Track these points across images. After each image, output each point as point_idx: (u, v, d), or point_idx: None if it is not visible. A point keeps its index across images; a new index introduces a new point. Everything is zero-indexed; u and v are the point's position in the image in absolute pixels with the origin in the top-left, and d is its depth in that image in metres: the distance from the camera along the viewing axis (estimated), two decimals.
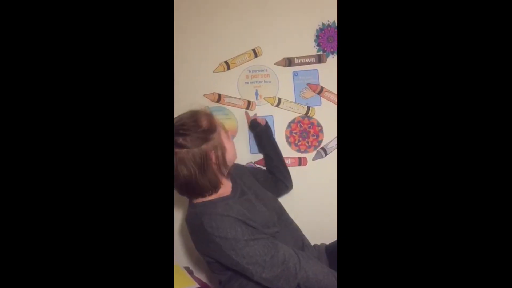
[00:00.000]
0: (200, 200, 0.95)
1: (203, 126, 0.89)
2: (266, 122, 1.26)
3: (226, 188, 0.98)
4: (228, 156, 0.95)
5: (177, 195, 0.96)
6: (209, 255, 0.92)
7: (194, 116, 0.92)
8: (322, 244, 1.15)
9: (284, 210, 1.10)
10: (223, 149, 0.92)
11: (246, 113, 1.30)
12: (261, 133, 1.24)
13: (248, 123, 1.28)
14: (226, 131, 0.97)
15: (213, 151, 0.90)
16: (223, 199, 0.94)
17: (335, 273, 0.88)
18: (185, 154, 0.86)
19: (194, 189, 0.92)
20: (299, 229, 1.10)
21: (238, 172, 1.09)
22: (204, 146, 0.88)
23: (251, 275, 0.85)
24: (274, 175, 1.22)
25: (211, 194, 0.94)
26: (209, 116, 0.94)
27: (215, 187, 0.93)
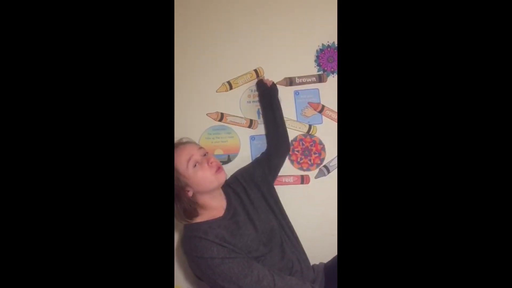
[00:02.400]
0: (191, 222, 0.99)
1: None
2: (273, 83, 1.27)
3: (218, 210, 1.02)
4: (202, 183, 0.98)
5: None
6: (197, 275, 0.97)
7: None
8: (321, 263, 1.14)
9: (278, 232, 1.08)
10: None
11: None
12: (265, 92, 1.26)
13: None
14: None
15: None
16: (209, 221, 0.98)
17: None
18: None
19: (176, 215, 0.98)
20: (295, 251, 1.09)
21: (235, 189, 1.12)
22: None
23: None
24: (268, 147, 1.25)
25: (191, 219, 0.98)
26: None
27: (191, 214, 0.98)
